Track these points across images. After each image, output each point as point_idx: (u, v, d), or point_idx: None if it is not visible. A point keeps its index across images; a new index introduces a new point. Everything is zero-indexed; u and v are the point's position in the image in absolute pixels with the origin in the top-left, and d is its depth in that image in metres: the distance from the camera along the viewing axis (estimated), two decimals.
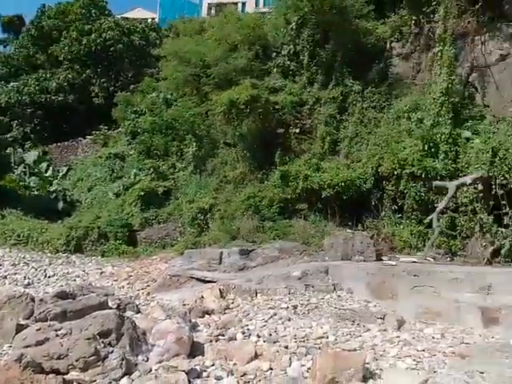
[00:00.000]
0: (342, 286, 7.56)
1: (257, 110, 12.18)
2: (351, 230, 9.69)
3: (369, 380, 4.31)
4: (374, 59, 12.15)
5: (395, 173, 9.70)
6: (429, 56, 10.91)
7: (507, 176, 8.33)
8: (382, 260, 8.54)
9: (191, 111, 14.76)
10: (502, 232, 8.24)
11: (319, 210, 10.56)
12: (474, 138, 9.35)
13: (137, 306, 6.83)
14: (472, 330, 6.00)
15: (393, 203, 9.97)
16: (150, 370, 4.50)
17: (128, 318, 5.36)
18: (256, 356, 4.85)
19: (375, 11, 12.22)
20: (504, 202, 8.35)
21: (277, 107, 12.60)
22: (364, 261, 8.42)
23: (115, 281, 9.61)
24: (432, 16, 10.59)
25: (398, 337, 5.60)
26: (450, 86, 9.75)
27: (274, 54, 13.97)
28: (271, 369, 4.61)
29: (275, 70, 13.70)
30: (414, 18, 11.37)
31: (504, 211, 8.35)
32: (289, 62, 13.49)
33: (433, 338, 5.69)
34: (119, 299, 6.66)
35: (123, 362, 4.36)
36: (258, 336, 5.48)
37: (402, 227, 9.60)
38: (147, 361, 4.73)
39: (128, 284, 9.31)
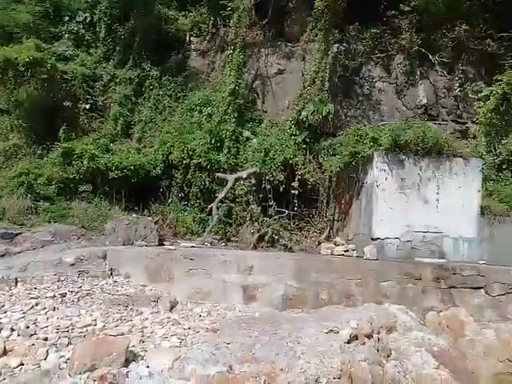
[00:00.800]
0: (119, 271, 7.39)
1: (40, 75, 10.73)
2: (137, 215, 9.62)
3: (131, 362, 4.34)
4: (173, 49, 12.24)
5: (184, 162, 10.12)
6: (222, 57, 11.72)
7: (274, 173, 9.75)
8: (163, 245, 8.78)
9: None
10: (266, 221, 9.52)
11: (105, 192, 10.07)
12: (252, 138, 10.54)
13: None
14: (234, 306, 6.74)
15: (180, 191, 10.36)
16: None
17: None
18: (5, 352, 4.29)
19: (178, 2, 12.36)
20: (270, 196, 9.72)
21: (66, 77, 11.40)
22: (146, 245, 8.47)
23: None
24: (227, 21, 11.35)
25: (168, 317, 5.84)
26: (236, 88, 10.69)
27: (68, 18, 12.57)
28: (22, 364, 4.16)
29: (67, 35, 12.40)
30: (212, 18, 11.96)
31: (270, 203, 9.72)
32: (83, 31, 12.40)
33: (200, 316, 6.13)
34: None
35: None
36: (12, 330, 4.85)
37: (186, 214, 10.07)
38: None
39: None
